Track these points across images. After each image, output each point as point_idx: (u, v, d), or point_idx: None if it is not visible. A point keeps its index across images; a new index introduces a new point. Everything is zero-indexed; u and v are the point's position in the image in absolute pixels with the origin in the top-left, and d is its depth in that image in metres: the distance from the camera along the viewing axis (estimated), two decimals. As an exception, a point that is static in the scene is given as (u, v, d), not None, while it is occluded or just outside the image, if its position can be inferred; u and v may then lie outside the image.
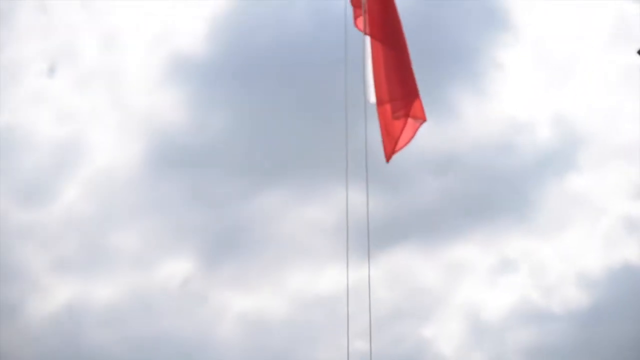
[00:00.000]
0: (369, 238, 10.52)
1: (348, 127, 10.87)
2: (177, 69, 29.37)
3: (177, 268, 26.47)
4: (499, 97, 28.76)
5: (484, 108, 28.31)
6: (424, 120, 11.32)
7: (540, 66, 31.20)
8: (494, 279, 26.90)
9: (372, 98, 11.31)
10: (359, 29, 11.51)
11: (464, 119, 27.43)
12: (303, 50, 25.97)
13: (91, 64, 30.65)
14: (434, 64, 26.43)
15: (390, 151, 11.19)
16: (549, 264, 26.87)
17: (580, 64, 31.36)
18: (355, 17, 11.60)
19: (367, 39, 11.48)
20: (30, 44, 30.09)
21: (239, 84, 27.89)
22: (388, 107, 11.29)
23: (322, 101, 22.54)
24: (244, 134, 27.31)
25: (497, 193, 27.07)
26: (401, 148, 11.23)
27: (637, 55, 12.10)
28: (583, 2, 33.26)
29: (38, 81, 29.96)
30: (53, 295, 25.39)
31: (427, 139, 26.63)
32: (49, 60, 30.41)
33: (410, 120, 11.22)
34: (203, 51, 29.54)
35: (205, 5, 31.55)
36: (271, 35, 27.91)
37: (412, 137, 11.26)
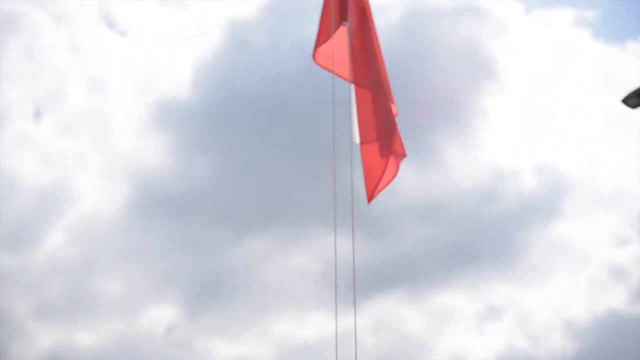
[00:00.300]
0: (355, 285, 10.49)
1: (335, 175, 10.87)
2: (162, 114, 29.44)
3: (161, 315, 26.33)
4: (484, 145, 28.92)
5: (469, 156, 28.44)
6: (404, 156, 11.37)
7: (524, 114, 31.47)
8: (479, 326, 26.88)
9: (357, 138, 11.34)
10: (317, 63, 11.48)
11: (449, 166, 27.55)
12: (289, 95, 26.09)
13: (77, 109, 30.72)
14: (419, 111, 26.58)
15: (372, 191, 11.15)
16: (535, 311, 26.88)
17: (564, 112, 31.66)
18: (316, 47, 11.47)
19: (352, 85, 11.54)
20: (16, 88, 30.16)
21: (225, 130, 27.96)
22: (373, 146, 11.30)
23: (308, 147, 22.60)
24: (229, 180, 27.32)
25: (482, 240, 27.12)
26: (385, 186, 11.21)
27: (621, 103, 12.16)
28: (567, 50, 33.68)
29: (24, 125, 30.00)
30: (36, 342, 25.18)
31: (412, 186, 26.79)
32: (35, 105, 30.50)
33: (392, 157, 11.28)
34: (189, 96, 29.66)
35: (191, 51, 31.79)
36: (257, 80, 28.03)
37: (395, 174, 11.28)
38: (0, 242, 26.05)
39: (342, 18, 11.66)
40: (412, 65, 27.33)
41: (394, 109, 11.61)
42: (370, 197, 11.15)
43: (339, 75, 11.55)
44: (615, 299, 25.78)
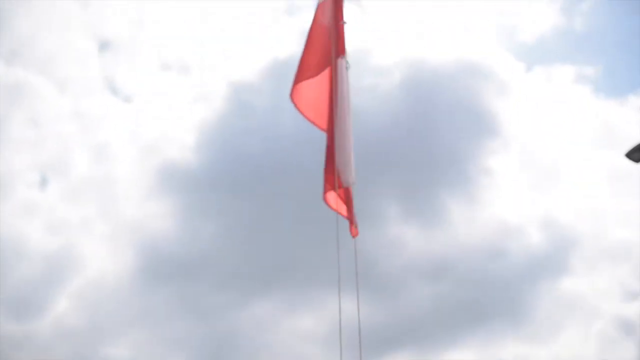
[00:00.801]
0: (361, 347, 10.41)
1: (339, 237, 10.85)
2: (167, 178, 29.53)
3: (169, 379, 26.08)
4: (489, 202, 28.90)
5: (474, 213, 28.41)
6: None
7: (528, 170, 31.55)
8: (490, 384, 26.54)
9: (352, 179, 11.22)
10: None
11: (455, 224, 27.50)
12: (292, 158, 26.14)
13: (82, 175, 30.86)
14: (424, 170, 26.66)
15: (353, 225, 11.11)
16: (545, 368, 26.58)
17: (568, 167, 31.71)
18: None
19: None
20: (21, 156, 30.33)
21: (229, 194, 28.00)
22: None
23: (312, 209, 22.56)
24: (234, 244, 27.27)
25: (489, 298, 26.93)
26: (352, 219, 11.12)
27: (625, 157, 12.15)
28: (568, 106, 33.84)
29: (29, 193, 30.11)
30: (42, 409, 24.93)
31: (418, 245, 26.75)
32: (41, 172, 30.63)
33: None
34: (193, 160, 29.77)
35: (194, 115, 32.00)
36: (260, 142, 28.16)
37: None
38: (7, 309, 25.96)
39: (340, 52, 11.60)
40: (414, 124, 27.48)
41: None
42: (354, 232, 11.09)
43: (310, 120, 11.54)
44: (625, 354, 25.50)
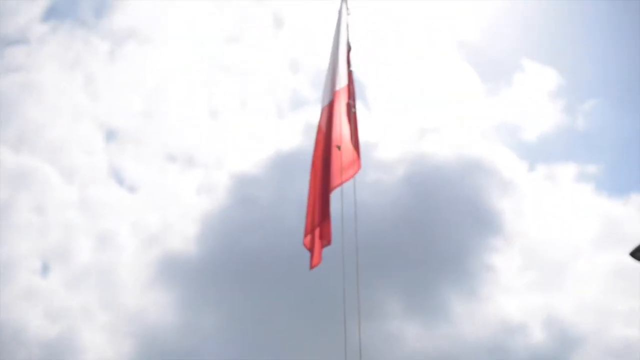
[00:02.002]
0: None
1: (346, 332, 10.85)
2: (168, 269, 29.48)
3: None
4: (491, 299, 28.76)
5: (477, 310, 28.24)
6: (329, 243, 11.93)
7: (530, 268, 31.43)
8: None
9: None
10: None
11: (457, 320, 27.33)
12: (295, 251, 26.03)
13: (84, 264, 30.83)
14: (426, 266, 26.61)
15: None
16: None
17: (570, 265, 31.64)
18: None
19: None
20: (24, 243, 30.36)
21: (230, 285, 27.90)
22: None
23: (315, 302, 22.48)
24: (234, 336, 27.05)
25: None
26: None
27: (629, 256, 12.18)
28: (570, 204, 33.96)
29: (31, 279, 30.03)
30: None
31: (420, 340, 26.56)
32: (43, 259, 30.62)
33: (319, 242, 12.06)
34: (195, 251, 29.76)
35: (198, 207, 32.12)
36: (262, 235, 28.17)
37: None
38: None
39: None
40: (418, 220, 27.54)
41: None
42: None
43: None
44: None
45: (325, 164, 12.05)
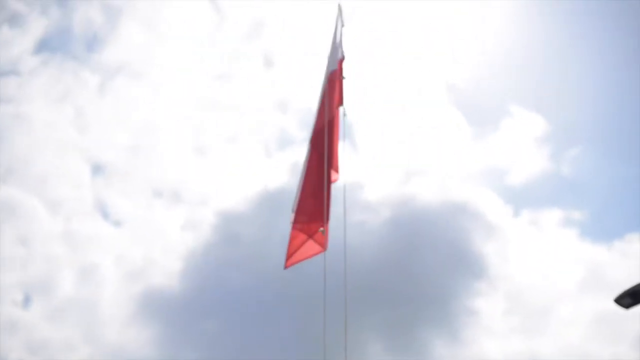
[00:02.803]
0: None
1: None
2: (151, 304, 29.38)
3: None
4: (474, 342, 28.71)
5: (459, 353, 28.17)
6: (324, 250, 12.21)
7: (514, 312, 31.43)
8: None
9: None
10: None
11: (439, 363, 27.24)
12: (278, 288, 26.07)
13: (66, 296, 30.71)
14: (409, 307, 26.59)
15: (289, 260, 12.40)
16: None
17: (554, 310, 31.64)
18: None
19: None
20: (7, 274, 30.21)
21: (212, 322, 27.80)
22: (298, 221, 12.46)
23: (298, 339, 22.43)
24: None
25: None
26: (296, 262, 12.33)
27: (614, 303, 12.20)
28: (555, 249, 34.07)
29: (12, 311, 29.85)
30: None
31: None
32: (25, 291, 30.48)
33: (311, 241, 12.33)
34: (177, 287, 29.68)
35: (182, 243, 32.07)
36: (246, 272, 28.15)
37: (308, 257, 12.31)
38: None
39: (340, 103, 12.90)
40: (402, 262, 27.55)
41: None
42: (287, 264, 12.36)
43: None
44: None
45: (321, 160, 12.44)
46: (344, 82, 12.96)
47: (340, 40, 13.11)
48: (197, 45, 37.89)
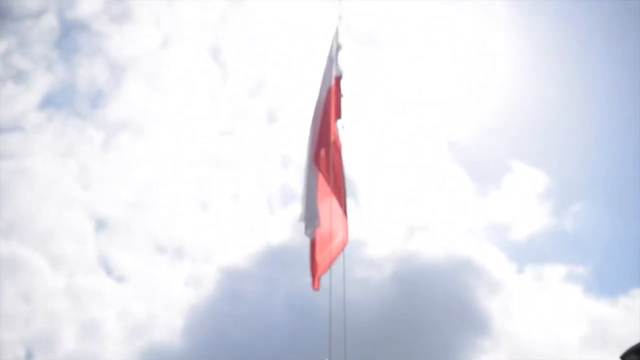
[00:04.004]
0: None
1: None
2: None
3: None
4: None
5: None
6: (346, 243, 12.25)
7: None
8: None
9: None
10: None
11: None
12: (280, 346, 25.98)
13: (68, 352, 30.52)
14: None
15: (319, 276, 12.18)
16: None
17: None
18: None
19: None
20: (9, 331, 30.08)
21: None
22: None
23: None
24: None
25: None
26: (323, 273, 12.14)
27: (620, 359, 12.19)
28: (559, 304, 33.91)
29: (13, 367, 29.65)
30: None
31: None
32: (27, 347, 30.31)
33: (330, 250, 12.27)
34: (179, 344, 29.52)
35: (185, 298, 31.97)
36: (249, 329, 28.02)
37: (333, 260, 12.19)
38: None
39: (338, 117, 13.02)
40: (406, 318, 27.42)
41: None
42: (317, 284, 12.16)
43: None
44: None
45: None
46: (343, 99, 13.11)
47: (336, 59, 13.26)
48: (201, 101, 38.20)
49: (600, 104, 37.12)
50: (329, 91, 13.12)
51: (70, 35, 38.50)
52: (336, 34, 13.52)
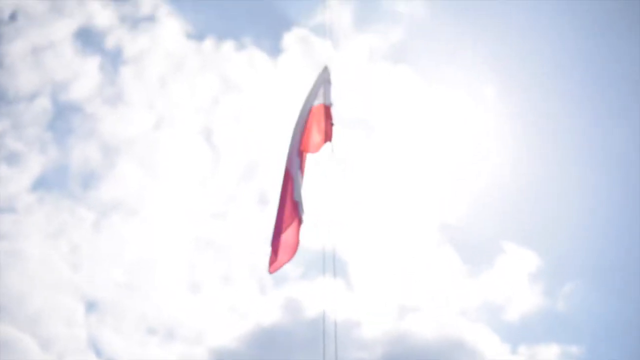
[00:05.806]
0: None
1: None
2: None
3: None
4: None
5: None
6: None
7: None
8: None
9: None
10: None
11: None
12: (276, 346, 25.89)
13: None
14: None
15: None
16: None
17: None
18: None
19: None
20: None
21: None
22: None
23: None
24: None
25: None
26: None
27: None
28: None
29: None
30: None
31: None
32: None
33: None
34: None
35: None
36: (242, 330, 27.83)
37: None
38: None
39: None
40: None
41: None
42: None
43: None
44: None
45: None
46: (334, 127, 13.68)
47: (328, 90, 13.65)
48: (193, 183, 38.40)
49: (589, 184, 37.46)
50: (309, 111, 13.52)
51: (63, 117, 38.87)
52: (325, 70, 13.86)
